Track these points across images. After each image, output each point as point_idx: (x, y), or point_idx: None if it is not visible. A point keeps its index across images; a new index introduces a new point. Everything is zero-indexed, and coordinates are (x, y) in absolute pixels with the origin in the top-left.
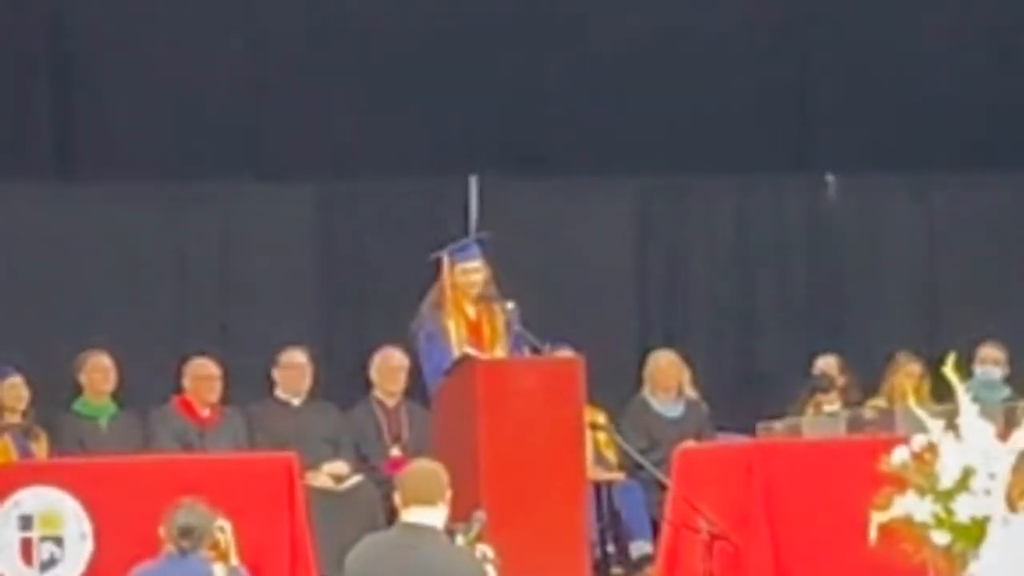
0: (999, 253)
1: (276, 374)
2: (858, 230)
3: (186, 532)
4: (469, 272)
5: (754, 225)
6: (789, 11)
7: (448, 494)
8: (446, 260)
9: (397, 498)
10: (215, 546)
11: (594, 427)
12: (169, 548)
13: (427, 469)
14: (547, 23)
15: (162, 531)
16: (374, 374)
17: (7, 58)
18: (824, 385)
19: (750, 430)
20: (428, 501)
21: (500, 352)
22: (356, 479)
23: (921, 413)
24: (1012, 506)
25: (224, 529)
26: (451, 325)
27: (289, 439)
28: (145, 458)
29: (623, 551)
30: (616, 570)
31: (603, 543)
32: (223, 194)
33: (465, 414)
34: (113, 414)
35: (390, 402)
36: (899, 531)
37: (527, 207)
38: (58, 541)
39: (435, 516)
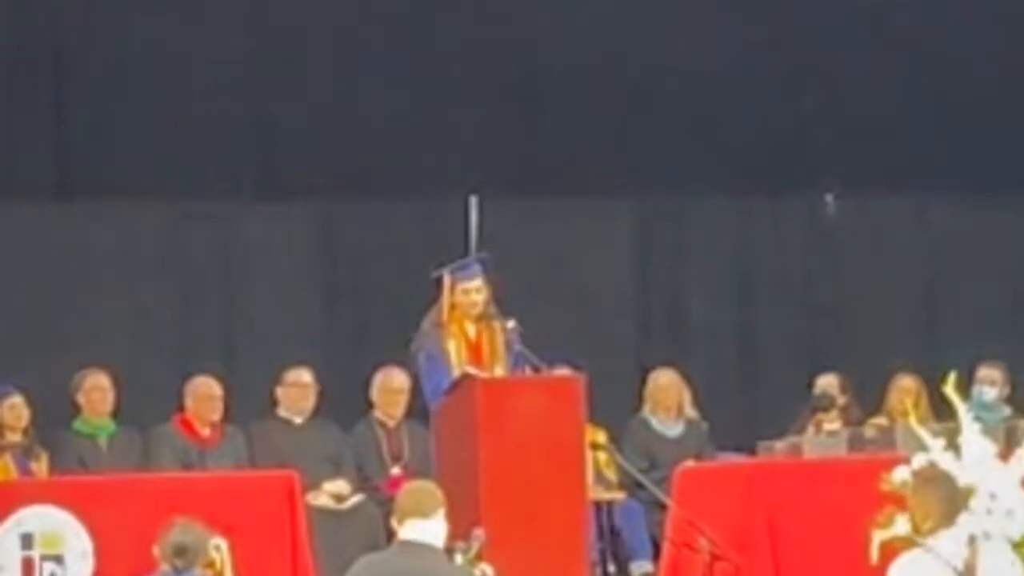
0: (999, 273)
1: (280, 392)
2: (858, 250)
3: (180, 551)
4: (470, 291)
5: (754, 245)
6: (787, 34)
7: (443, 508)
8: (447, 279)
9: (394, 519)
10: (211, 565)
11: (594, 446)
12: (163, 567)
13: (420, 485)
14: (547, 45)
15: (156, 550)
16: (375, 395)
17: (6, 76)
18: (825, 404)
19: (751, 449)
20: (423, 513)
21: (500, 371)
22: (357, 499)
23: (922, 432)
24: (918, 530)
25: (220, 548)
26: (451, 346)
27: (290, 457)
28: (146, 476)
29: (624, 571)
30: None
31: (603, 563)
32: (225, 213)
33: (465, 433)
34: (112, 432)
35: (391, 422)
36: (900, 550)
37: (527, 227)
38: (59, 560)
39: (431, 529)
